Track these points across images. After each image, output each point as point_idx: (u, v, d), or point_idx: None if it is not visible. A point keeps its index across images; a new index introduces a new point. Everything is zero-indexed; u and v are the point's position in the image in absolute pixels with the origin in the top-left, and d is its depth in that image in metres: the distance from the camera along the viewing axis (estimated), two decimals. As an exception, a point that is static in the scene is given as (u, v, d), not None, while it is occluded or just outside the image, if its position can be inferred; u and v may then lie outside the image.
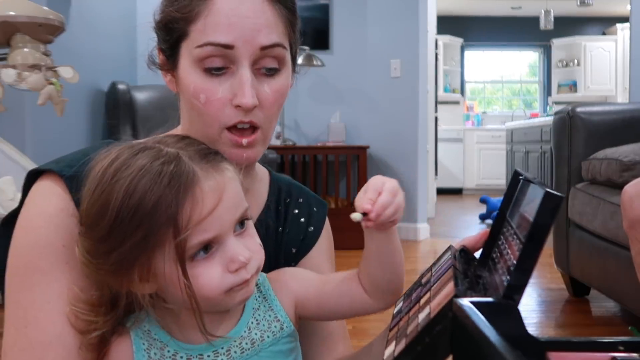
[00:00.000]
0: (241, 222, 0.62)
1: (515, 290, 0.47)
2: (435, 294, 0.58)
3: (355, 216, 0.60)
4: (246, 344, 0.65)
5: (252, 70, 0.69)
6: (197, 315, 0.59)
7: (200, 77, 0.69)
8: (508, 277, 0.49)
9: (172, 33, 0.70)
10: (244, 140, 0.70)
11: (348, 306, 0.70)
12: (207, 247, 0.59)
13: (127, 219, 0.56)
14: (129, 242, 0.56)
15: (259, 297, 0.69)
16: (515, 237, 0.55)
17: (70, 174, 0.66)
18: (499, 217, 0.66)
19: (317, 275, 0.73)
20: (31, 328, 0.64)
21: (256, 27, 0.68)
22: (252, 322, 0.67)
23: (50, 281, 0.64)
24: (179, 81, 0.72)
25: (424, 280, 0.67)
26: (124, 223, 0.56)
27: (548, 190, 0.47)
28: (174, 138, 0.63)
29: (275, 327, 0.68)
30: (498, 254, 0.61)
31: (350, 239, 1.91)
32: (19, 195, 0.72)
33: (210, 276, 0.59)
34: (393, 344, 0.57)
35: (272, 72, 0.71)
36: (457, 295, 0.51)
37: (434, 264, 0.70)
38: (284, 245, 0.82)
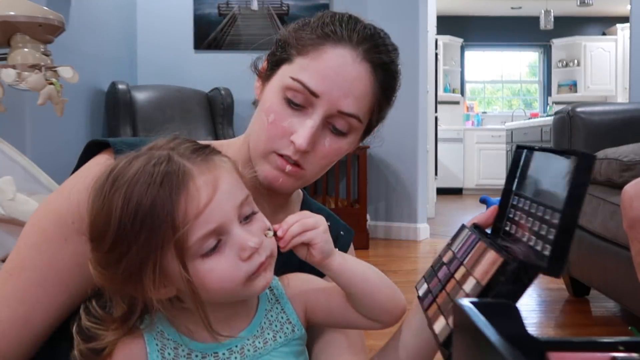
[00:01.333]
0: (246, 217, 0.63)
1: (562, 250, 0.52)
2: (474, 265, 0.61)
3: (267, 232, 0.64)
4: (259, 342, 0.67)
5: (323, 121, 0.74)
6: (200, 312, 0.60)
7: (280, 101, 0.74)
8: (540, 244, 0.54)
9: (282, 52, 0.76)
10: (288, 167, 0.74)
11: (354, 320, 0.71)
12: (217, 244, 0.59)
13: (129, 225, 0.57)
14: (134, 246, 0.57)
15: (271, 299, 0.70)
16: (535, 206, 0.59)
17: (122, 151, 0.68)
18: (505, 194, 0.69)
19: (328, 284, 0.73)
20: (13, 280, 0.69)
21: (345, 93, 0.73)
22: (264, 323, 0.68)
23: (43, 249, 0.69)
24: (263, 93, 0.78)
25: (446, 260, 0.69)
26: (126, 229, 0.57)
27: (582, 151, 0.52)
28: (165, 139, 0.64)
29: (287, 328, 0.69)
30: (514, 226, 0.65)
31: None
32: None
33: (223, 268, 0.60)
34: (441, 318, 0.60)
35: (338, 133, 0.76)
36: (506, 262, 0.55)
37: (451, 244, 0.72)
38: (307, 263, 0.83)
